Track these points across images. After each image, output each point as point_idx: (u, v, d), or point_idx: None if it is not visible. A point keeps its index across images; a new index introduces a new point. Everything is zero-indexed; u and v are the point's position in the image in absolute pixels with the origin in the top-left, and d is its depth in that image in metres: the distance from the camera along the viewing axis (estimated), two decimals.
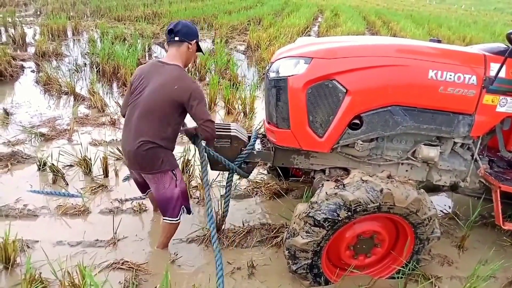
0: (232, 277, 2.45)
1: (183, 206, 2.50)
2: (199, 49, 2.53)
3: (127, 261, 2.45)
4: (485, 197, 2.80)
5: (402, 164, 2.67)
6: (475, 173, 2.68)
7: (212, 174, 3.27)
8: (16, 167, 3.58)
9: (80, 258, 2.38)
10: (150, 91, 2.33)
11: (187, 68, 2.41)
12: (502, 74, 2.33)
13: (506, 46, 2.44)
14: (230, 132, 2.71)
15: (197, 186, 3.38)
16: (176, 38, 2.37)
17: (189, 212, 2.59)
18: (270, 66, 2.59)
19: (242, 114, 5.29)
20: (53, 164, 3.39)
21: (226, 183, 2.81)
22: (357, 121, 2.41)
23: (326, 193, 2.17)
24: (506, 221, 2.61)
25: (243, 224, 2.91)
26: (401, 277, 2.37)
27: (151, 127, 2.30)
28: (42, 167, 3.50)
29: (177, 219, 2.49)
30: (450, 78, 2.32)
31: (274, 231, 2.84)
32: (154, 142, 2.29)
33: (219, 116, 5.19)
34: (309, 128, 2.43)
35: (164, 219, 2.52)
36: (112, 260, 2.47)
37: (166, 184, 2.40)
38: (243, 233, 2.81)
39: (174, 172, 2.42)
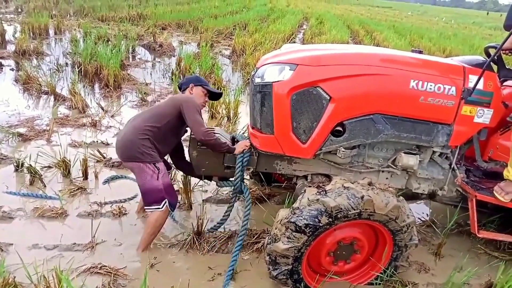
0: (213, 282, 2.43)
1: (166, 199, 2.54)
2: (211, 95, 2.95)
3: (105, 266, 2.40)
4: (462, 205, 2.86)
5: (382, 171, 2.71)
6: (452, 182, 2.74)
7: (194, 179, 3.25)
8: None
9: (57, 262, 2.33)
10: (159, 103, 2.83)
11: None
12: (480, 86, 2.40)
13: (484, 59, 2.52)
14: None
15: (178, 191, 3.35)
16: (182, 88, 2.91)
17: (172, 208, 2.62)
18: (256, 72, 2.60)
19: (226, 118, 5.29)
20: (30, 165, 3.31)
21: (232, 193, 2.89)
22: (339, 128, 2.44)
23: (308, 199, 2.18)
24: (481, 229, 2.68)
25: (224, 229, 2.90)
26: (379, 283, 2.40)
27: (143, 119, 2.60)
28: (19, 168, 3.42)
29: (159, 206, 2.53)
30: (430, 89, 2.38)
31: (255, 237, 2.84)
32: (141, 132, 2.52)
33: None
34: (293, 134, 2.44)
35: (145, 208, 2.62)
36: (90, 264, 2.42)
37: (148, 176, 2.51)
38: (224, 238, 2.79)
39: (156, 166, 2.54)
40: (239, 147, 2.69)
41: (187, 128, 2.79)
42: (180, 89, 2.92)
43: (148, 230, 2.60)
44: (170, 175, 2.99)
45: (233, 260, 2.50)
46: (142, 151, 2.50)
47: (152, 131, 2.55)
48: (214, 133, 2.64)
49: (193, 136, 2.68)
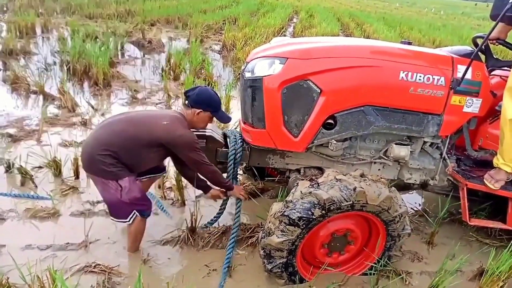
0: (208, 278, 2.43)
1: (134, 211, 2.37)
2: (220, 117, 2.57)
3: (99, 264, 2.39)
4: (453, 194, 2.90)
5: (374, 163, 2.73)
6: (443, 172, 2.77)
7: None
8: None
9: (50, 262, 2.32)
10: (141, 113, 2.54)
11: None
12: (469, 75, 2.42)
13: (472, 49, 2.54)
14: (205, 132, 2.69)
15: (171, 187, 3.34)
16: (186, 102, 2.48)
17: (146, 216, 2.46)
18: (246, 66, 2.59)
19: None
20: (21, 165, 3.28)
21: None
22: (331, 121, 2.45)
23: (301, 192, 2.19)
24: (472, 217, 2.72)
25: (219, 225, 2.90)
26: (373, 274, 2.42)
27: (110, 132, 2.29)
28: (10, 169, 3.38)
29: (125, 220, 2.39)
30: (420, 79, 2.39)
31: (250, 231, 2.84)
32: (103, 148, 2.23)
33: None
34: (284, 128, 2.45)
35: (111, 219, 2.45)
36: (84, 263, 2.41)
37: (111, 191, 2.29)
38: (219, 233, 2.80)
39: (118, 183, 2.28)
40: (237, 191, 2.68)
41: None
42: (186, 96, 2.48)
43: (131, 239, 2.54)
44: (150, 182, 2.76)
45: (228, 256, 2.50)
46: (102, 168, 2.23)
47: (116, 152, 2.24)
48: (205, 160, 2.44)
49: None
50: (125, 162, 2.30)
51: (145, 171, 2.58)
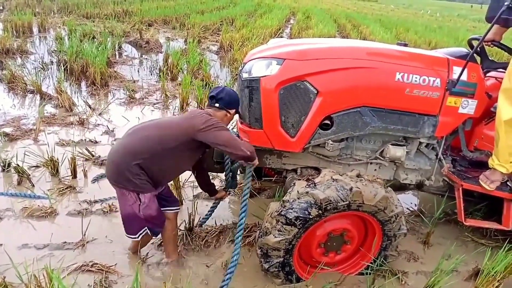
0: (205, 278, 2.44)
1: (146, 227, 2.30)
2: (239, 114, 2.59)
3: (97, 263, 2.40)
4: (449, 195, 2.92)
5: (371, 163, 2.75)
6: (439, 172, 2.79)
7: (185, 174, 3.25)
8: None
9: (47, 261, 2.31)
10: (167, 118, 2.54)
11: None
12: (464, 77, 2.44)
13: (467, 51, 2.56)
14: None
15: (168, 187, 3.34)
16: (217, 105, 2.40)
17: (154, 235, 2.40)
18: (243, 67, 2.61)
19: None
20: (18, 164, 3.27)
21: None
22: (327, 122, 2.46)
23: (297, 192, 2.20)
24: (468, 217, 2.74)
25: (216, 224, 2.91)
26: (370, 273, 2.44)
27: (138, 139, 2.22)
28: (6, 168, 3.38)
29: (134, 236, 2.30)
30: (416, 81, 2.41)
31: (247, 231, 2.85)
32: (136, 157, 2.16)
33: None
34: (281, 128, 2.46)
35: (125, 234, 2.35)
36: (81, 262, 2.41)
37: (128, 203, 2.22)
38: (216, 233, 2.81)
39: (139, 196, 2.22)
40: (256, 162, 2.45)
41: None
42: (217, 98, 2.41)
43: (134, 243, 2.52)
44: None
45: (235, 253, 2.37)
46: (127, 177, 2.16)
47: (146, 159, 2.17)
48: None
49: None
50: (151, 173, 2.22)
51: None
